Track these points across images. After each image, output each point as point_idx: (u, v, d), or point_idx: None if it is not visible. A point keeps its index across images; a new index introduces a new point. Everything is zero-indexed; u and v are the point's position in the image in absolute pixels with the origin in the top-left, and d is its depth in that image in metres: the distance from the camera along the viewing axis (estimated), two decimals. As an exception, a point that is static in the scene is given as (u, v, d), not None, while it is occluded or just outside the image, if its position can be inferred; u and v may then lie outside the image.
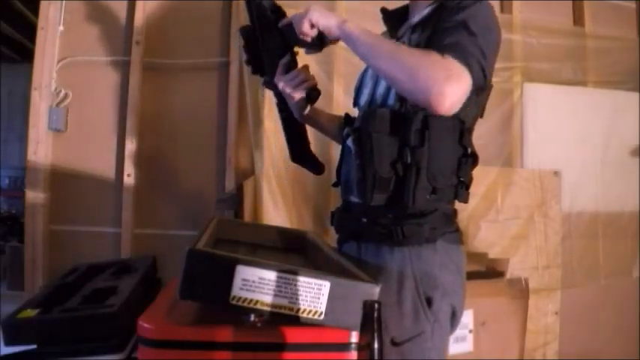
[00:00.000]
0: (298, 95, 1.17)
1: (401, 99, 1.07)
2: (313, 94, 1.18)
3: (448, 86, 0.92)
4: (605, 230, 2.47)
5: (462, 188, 1.10)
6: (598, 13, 2.57)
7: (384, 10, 1.24)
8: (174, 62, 2.16)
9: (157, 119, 2.15)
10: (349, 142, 1.19)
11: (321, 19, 1.07)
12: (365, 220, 1.14)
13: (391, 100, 1.10)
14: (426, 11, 1.12)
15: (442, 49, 0.97)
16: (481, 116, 1.16)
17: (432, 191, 1.06)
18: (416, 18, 1.15)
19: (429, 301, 1.06)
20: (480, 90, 1.05)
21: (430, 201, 1.06)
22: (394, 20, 1.22)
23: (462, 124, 1.08)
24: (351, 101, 1.29)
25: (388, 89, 1.12)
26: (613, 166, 2.50)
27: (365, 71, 1.24)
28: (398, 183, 1.06)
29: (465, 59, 0.96)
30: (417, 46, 1.07)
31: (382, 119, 1.07)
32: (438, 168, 1.05)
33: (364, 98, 1.20)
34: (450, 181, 1.08)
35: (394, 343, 1.03)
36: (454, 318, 1.12)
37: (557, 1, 2.56)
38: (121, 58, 2.14)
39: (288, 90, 1.17)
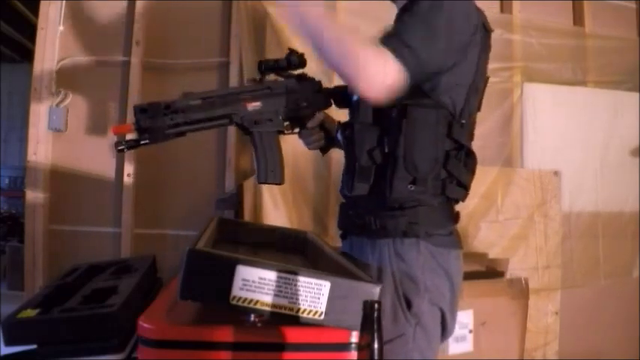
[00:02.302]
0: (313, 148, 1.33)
1: None
2: (322, 151, 1.35)
3: (371, 74, 0.95)
4: (605, 230, 2.47)
5: (451, 183, 1.09)
6: (598, 13, 2.58)
7: None
8: (174, 62, 2.16)
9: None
10: (339, 135, 1.21)
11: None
12: (351, 212, 1.16)
13: None
14: (402, 3, 1.13)
15: (378, 39, 0.99)
16: (478, 109, 1.15)
17: (412, 181, 1.05)
18: (397, 10, 1.15)
19: (409, 303, 1.05)
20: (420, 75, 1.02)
21: (412, 192, 1.06)
22: None
23: (450, 117, 1.07)
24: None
25: None
26: (613, 166, 2.50)
27: None
28: (378, 172, 1.08)
29: (393, 47, 0.96)
30: None
31: (366, 110, 1.10)
32: (417, 157, 1.05)
33: (355, 97, 1.21)
34: (435, 173, 1.06)
35: None
36: (444, 322, 1.11)
37: (557, 1, 2.56)
38: (121, 58, 2.14)
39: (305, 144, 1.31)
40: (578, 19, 2.57)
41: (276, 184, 1.19)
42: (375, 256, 1.09)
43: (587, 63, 2.51)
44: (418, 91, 1.04)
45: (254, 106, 1.16)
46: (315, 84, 1.26)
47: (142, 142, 1.12)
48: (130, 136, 1.18)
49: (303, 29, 1.05)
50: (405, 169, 1.05)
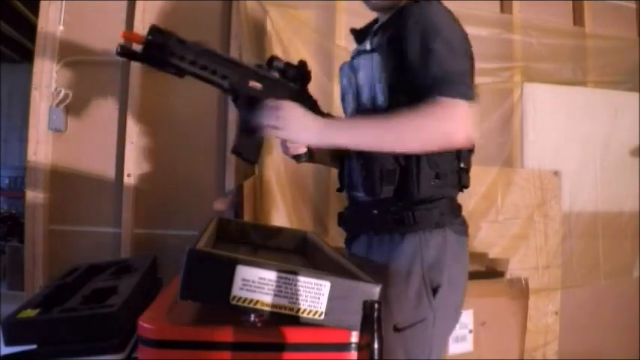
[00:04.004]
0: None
1: (390, 99, 1.10)
2: (297, 159, 1.27)
3: (451, 128, 1.00)
4: (605, 230, 2.47)
5: (464, 173, 1.14)
6: (598, 13, 2.57)
7: (353, 30, 1.30)
8: (175, 62, 2.15)
9: (157, 119, 2.15)
10: None
11: (299, 136, 1.09)
12: (376, 211, 1.15)
13: (380, 100, 1.12)
14: (387, 16, 1.17)
15: (430, 90, 1.01)
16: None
17: (435, 176, 1.09)
18: (379, 22, 1.20)
19: (435, 290, 1.08)
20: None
21: (435, 187, 1.09)
22: (361, 35, 1.27)
23: None
24: None
25: (373, 95, 1.13)
26: (613, 166, 2.50)
27: (342, 81, 1.26)
28: (402, 173, 1.10)
29: (452, 90, 1.00)
30: (379, 47, 1.12)
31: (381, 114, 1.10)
32: (438, 153, 1.08)
33: (350, 105, 1.22)
34: (452, 166, 1.12)
35: (397, 329, 1.04)
36: (456, 311, 1.15)
37: (557, 1, 2.56)
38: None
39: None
40: (578, 19, 2.57)
41: (248, 160, 1.20)
42: (406, 245, 1.11)
43: (587, 63, 2.51)
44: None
45: (255, 85, 1.16)
46: (312, 102, 1.25)
47: (141, 57, 1.13)
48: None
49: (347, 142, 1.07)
50: (428, 165, 1.08)
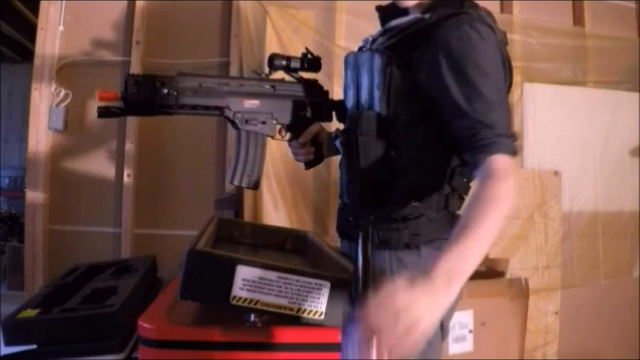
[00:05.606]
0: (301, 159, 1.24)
1: (387, 104, 1.05)
2: (307, 165, 1.25)
3: (511, 185, 0.90)
4: (605, 230, 2.47)
5: (453, 197, 1.08)
6: (598, 13, 2.57)
7: (378, 8, 1.21)
8: (175, 62, 2.15)
9: (156, 119, 2.15)
10: (337, 144, 1.19)
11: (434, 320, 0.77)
12: (351, 219, 1.14)
13: (376, 107, 1.07)
14: (404, 20, 1.10)
15: (477, 150, 0.94)
16: None
17: (416, 196, 1.04)
18: (393, 23, 1.12)
19: None
20: None
21: (414, 207, 1.04)
22: (386, 15, 1.18)
23: None
24: None
25: (372, 95, 1.09)
26: (613, 166, 2.50)
27: (346, 73, 1.20)
28: (382, 185, 1.06)
29: (499, 148, 0.93)
30: (380, 50, 1.07)
31: (369, 122, 1.06)
32: (423, 173, 1.04)
33: (350, 102, 1.18)
34: (438, 189, 1.06)
35: None
36: (441, 324, 1.08)
37: (557, 1, 2.56)
38: (121, 58, 2.14)
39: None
40: (578, 19, 2.57)
41: (249, 188, 1.15)
42: (375, 261, 1.08)
43: (587, 63, 2.51)
44: (428, 107, 1.03)
45: (251, 104, 1.11)
46: (322, 94, 1.19)
47: (125, 113, 1.07)
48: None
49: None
50: (409, 184, 1.04)
